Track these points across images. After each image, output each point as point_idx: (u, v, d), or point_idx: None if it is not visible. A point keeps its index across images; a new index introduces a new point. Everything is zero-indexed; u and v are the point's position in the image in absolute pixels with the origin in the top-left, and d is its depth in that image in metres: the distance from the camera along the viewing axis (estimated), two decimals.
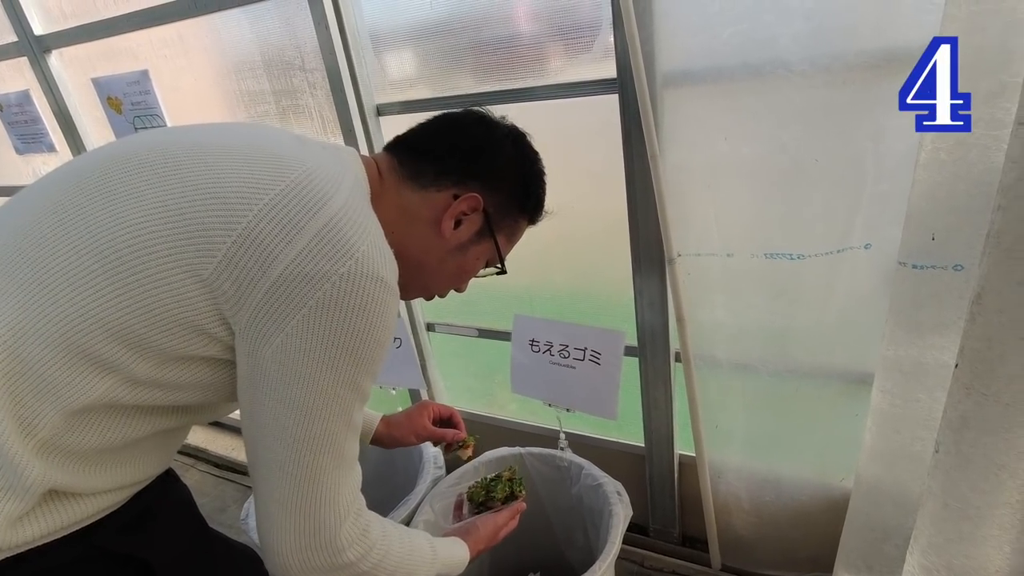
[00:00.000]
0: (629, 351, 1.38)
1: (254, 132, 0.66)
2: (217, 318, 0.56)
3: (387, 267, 0.59)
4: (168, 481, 0.76)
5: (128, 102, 1.84)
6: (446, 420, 1.13)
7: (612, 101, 1.21)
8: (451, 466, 1.40)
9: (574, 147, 1.34)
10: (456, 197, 0.70)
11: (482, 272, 0.81)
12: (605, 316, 1.50)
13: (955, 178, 0.87)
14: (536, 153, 0.80)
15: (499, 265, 0.80)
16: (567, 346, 1.30)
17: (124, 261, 0.54)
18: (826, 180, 1.07)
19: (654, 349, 1.39)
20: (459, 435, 1.10)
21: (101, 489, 0.62)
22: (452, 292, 0.83)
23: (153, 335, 0.56)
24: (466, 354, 1.84)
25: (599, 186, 1.35)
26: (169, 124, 1.84)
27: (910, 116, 0.95)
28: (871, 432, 1.11)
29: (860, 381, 1.19)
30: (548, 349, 1.33)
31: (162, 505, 0.73)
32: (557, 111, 1.32)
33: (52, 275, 0.54)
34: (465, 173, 0.71)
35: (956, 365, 0.57)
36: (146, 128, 1.85)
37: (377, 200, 0.67)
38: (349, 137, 1.54)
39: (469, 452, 1.13)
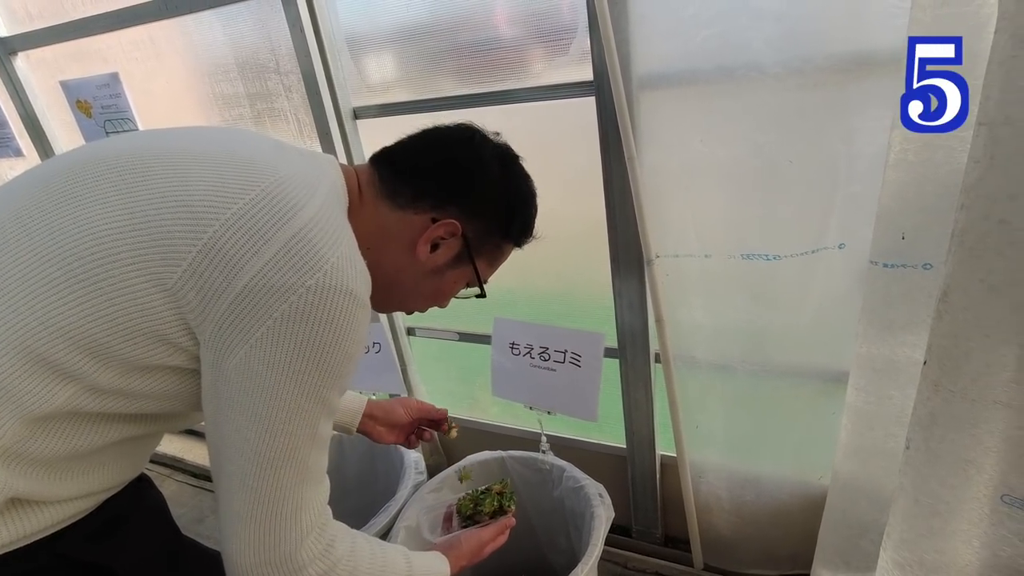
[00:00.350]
0: (609, 353, 1.38)
1: (229, 137, 0.65)
2: (182, 328, 0.55)
3: (358, 280, 0.58)
4: (140, 487, 0.74)
5: (98, 105, 1.80)
6: (428, 420, 1.12)
7: (589, 104, 1.22)
8: (432, 471, 1.39)
9: (553, 150, 1.34)
10: (434, 221, 0.68)
11: (461, 293, 0.79)
12: (585, 318, 1.50)
13: (923, 179, 0.89)
14: (526, 175, 0.77)
15: (479, 288, 0.78)
16: (547, 348, 1.30)
17: (87, 269, 0.53)
18: (800, 181, 1.08)
19: (634, 350, 1.40)
20: (442, 412, 1.09)
21: (66, 497, 0.60)
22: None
23: (116, 344, 0.54)
24: (447, 358, 1.83)
25: (579, 189, 1.35)
26: (141, 128, 1.81)
27: (880, 118, 0.97)
28: (846, 429, 1.13)
29: (836, 380, 1.21)
30: (528, 352, 1.32)
31: (133, 512, 0.71)
32: (536, 114, 1.32)
33: (13, 282, 0.53)
34: (444, 197, 0.69)
35: (924, 362, 0.58)
36: (118, 132, 1.82)
37: (354, 213, 0.66)
38: (326, 140, 1.52)
39: (454, 433, 1.12)
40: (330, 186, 0.63)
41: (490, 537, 0.94)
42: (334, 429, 1.05)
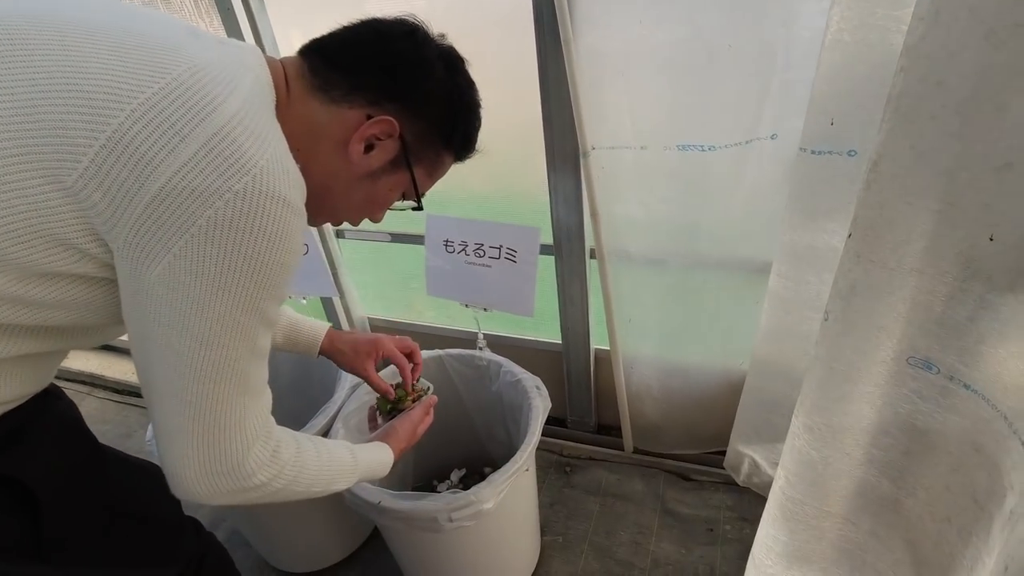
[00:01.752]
0: (545, 250, 1.37)
1: (129, 12, 0.55)
2: (86, 232, 0.49)
3: (291, 185, 0.52)
4: (47, 399, 0.68)
5: None
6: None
7: None
8: None
9: (485, 38, 1.25)
10: (369, 118, 0.62)
11: (396, 205, 0.74)
12: (521, 217, 1.47)
13: (856, 60, 0.88)
14: (471, 82, 0.71)
15: (416, 200, 0.73)
16: (482, 245, 1.27)
17: None
18: (738, 68, 1.06)
19: (569, 247, 1.39)
20: (389, 391, 1.02)
21: None
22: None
23: (8, 248, 0.48)
24: (379, 261, 1.78)
25: (513, 81, 1.27)
26: None
27: (820, 1, 0.95)
28: (766, 313, 1.19)
29: (762, 270, 1.26)
30: (463, 249, 1.29)
31: (36, 423, 0.65)
32: None
33: None
34: (383, 92, 0.63)
35: (849, 235, 0.59)
36: None
37: (282, 111, 0.59)
38: (228, 17, 1.35)
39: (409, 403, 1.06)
40: (254, 80, 0.56)
41: (419, 418, 0.96)
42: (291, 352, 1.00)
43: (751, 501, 1.47)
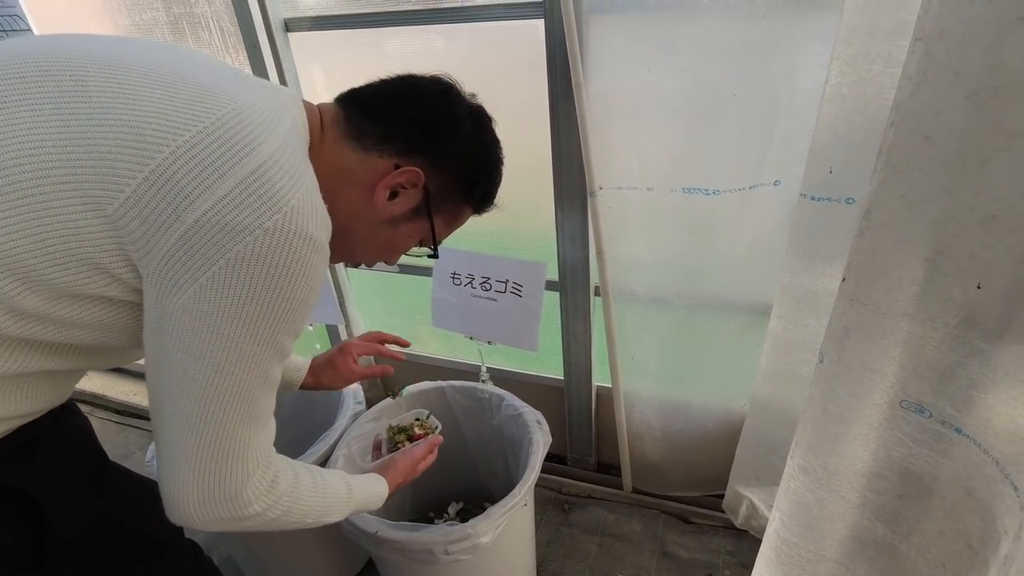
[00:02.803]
0: (550, 286, 1.40)
1: (179, 56, 0.58)
2: (120, 258, 0.51)
3: (318, 224, 0.55)
4: (63, 414, 0.70)
5: None
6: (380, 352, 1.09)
7: (537, 28, 1.17)
8: (371, 402, 1.38)
9: (498, 77, 1.30)
10: (397, 167, 0.65)
11: (412, 251, 0.77)
12: (527, 253, 1.51)
13: (853, 112, 0.92)
14: (497, 140, 0.74)
15: (432, 248, 0.75)
16: (489, 279, 1.29)
17: (13, 180, 0.47)
18: (743, 116, 1.10)
19: (574, 283, 1.42)
20: (388, 370, 1.07)
21: None
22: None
23: (45, 268, 0.50)
24: (386, 292, 1.81)
25: (524, 121, 1.32)
26: (36, 31, 1.61)
27: (821, 54, 0.99)
28: (766, 355, 1.20)
29: (763, 312, 1.27)
30: (470, 282, 1.32)
31: (50, 437, 0.67)
32: (481, 38, 1.26)
33: None
34: (412, 144, 0.66)
35: (844, 279, 0.61)
36: (6, 32, 1.61)
37: (314, 152, 0.62)
38: (254, 55, 1.41)
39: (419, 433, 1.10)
40: (291, 123, 0.59)
41: (422, 455, 0.96)
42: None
43: (751, 546, 1.45)
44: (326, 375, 1.04)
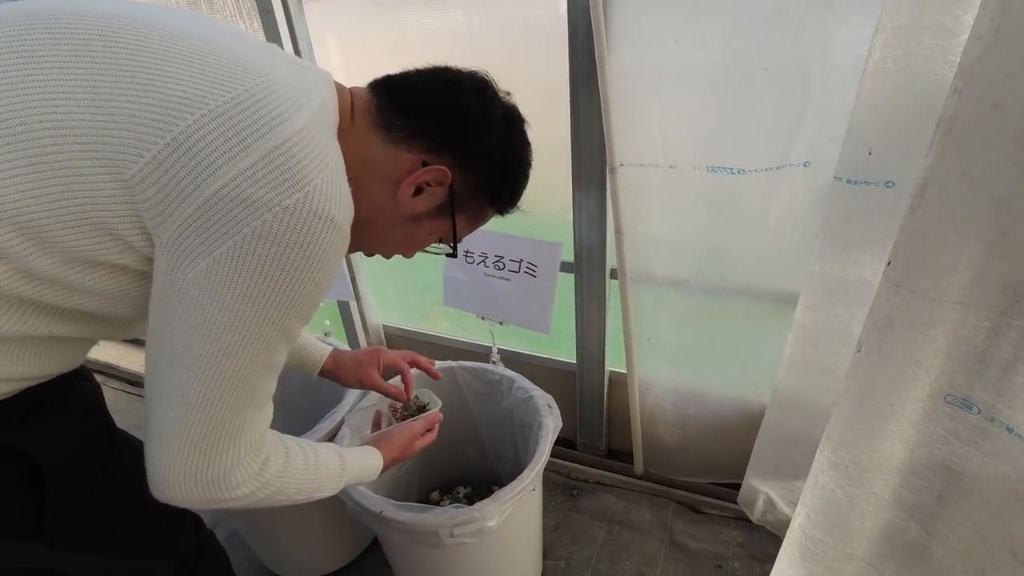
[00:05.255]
0: (565, 267, 1.36)
1: (214, 27, 0.56)
2: (135, 225, 0.50)
3: (341, 208, 0.53)
4: (75, 378, 0.68)
5: None
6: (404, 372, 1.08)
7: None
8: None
9: (518, 50, 1.25)
10: (424, 164, 0.63)
11: (431, 247, 0.75)
12: (542, 234, 1.45)
13: (898, 89, 0.86)
14: (527, 142, 0.72)
15: (452, 246, 0.73)
16: (502, 258, 1.26)
17: (34, 137, 0.46)
18: (773, 92, 1.04)
19: (590, 265, 1.37)
20: (401, 394, 1.04)
21: None
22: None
23: (59, 230, 0.49)
24: (398, 269, 1.77)
25: (543, 100, 1.27)
26: None
27: (862, 26, 0.93)
28: (791, 346, 1.15)
29: (786, 301, 1.23)
30: (483, 260, 1.28)
31: (58, 401, 0.65)
32: (502, 15, 1.21)
33: None
34: (441, 142, 0.64)
35: (888, 263, 0.56)
36: None
37: (343, 137, 0.59)
38: (268, 20, 1.37)
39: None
40: (321, 102, 0.57)
41: (420, 431, 0.93)
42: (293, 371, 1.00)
43: (763, 539, 1.42)
44: (347, 370, 1.02)
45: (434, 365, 1.11)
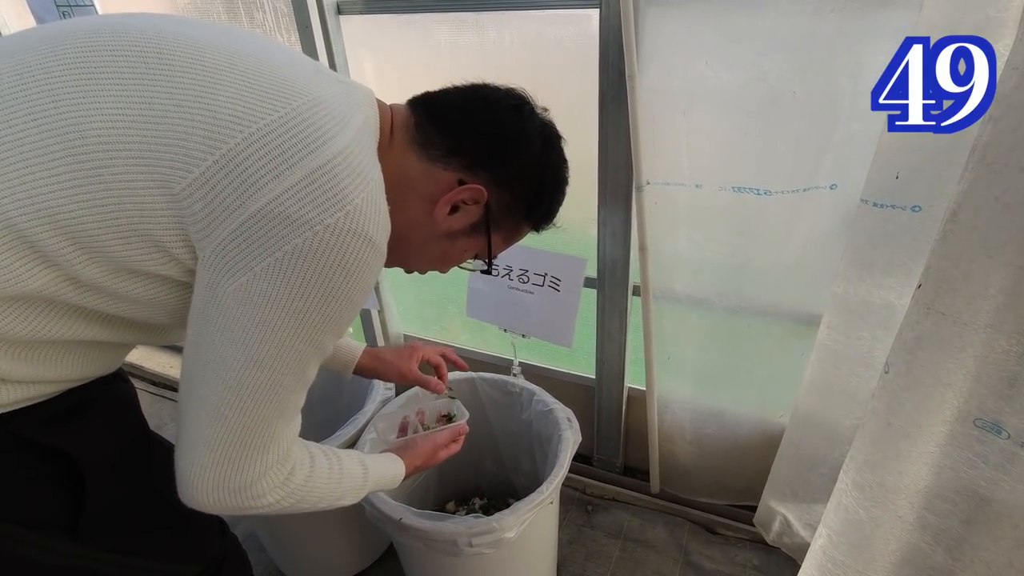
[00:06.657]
0: (587, 283, 1.37)
1: (261, 44, 0.58)
2: (180, 238, 0.52)
3: (379, 226, 0.54)
4: (113, 380, 0.70)
5: None
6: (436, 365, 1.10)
7: (591, 19, 1.15)
8: (400, 388, 1.38)
9: (549, 68, 1.28)
10: (461, 183, 0.64)
11: (465, 263, 0.76)
12: (566, 249, 1.47)
13: None
14: (564, 159, 0.73)
15: (487, 263, 0.74)
16: (527, 271, 1.27)
17: (91, 150, 0.48)
18: (802, 115, 1.05)
19: (613, 282, 1.38)
20: (440, 387, 1.06)
21: (26, 379, 0.57)
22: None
23: (108, 240, 0.50)
24: (421, 279, 1.80)
25: (572, 116, 1.29)
26: (101, 12, 1.65)
27: (889, 54, 0.94)
28: (812, 367, 1.15)
29: (808, 322, 1.23)
30: (507, 273, 1.30)
31: (96, 402, 0.67)
32: (534, 30, 1.24)
33: (6, 143, 0.47)
34: (478, 160, 0.64)
35: (919, 286, 0.57)
36: (72, 12, 1.65)
37: (382, 153, 0.61)
38: (305, 36, 1.42)
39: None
40: (363, 120, 0.58)
41: (444, 441, 0.94)
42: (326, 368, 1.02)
43: (779, 562, 1.40)
44: (386, 364, 1.04)
45: (462, 362, 1.13)
